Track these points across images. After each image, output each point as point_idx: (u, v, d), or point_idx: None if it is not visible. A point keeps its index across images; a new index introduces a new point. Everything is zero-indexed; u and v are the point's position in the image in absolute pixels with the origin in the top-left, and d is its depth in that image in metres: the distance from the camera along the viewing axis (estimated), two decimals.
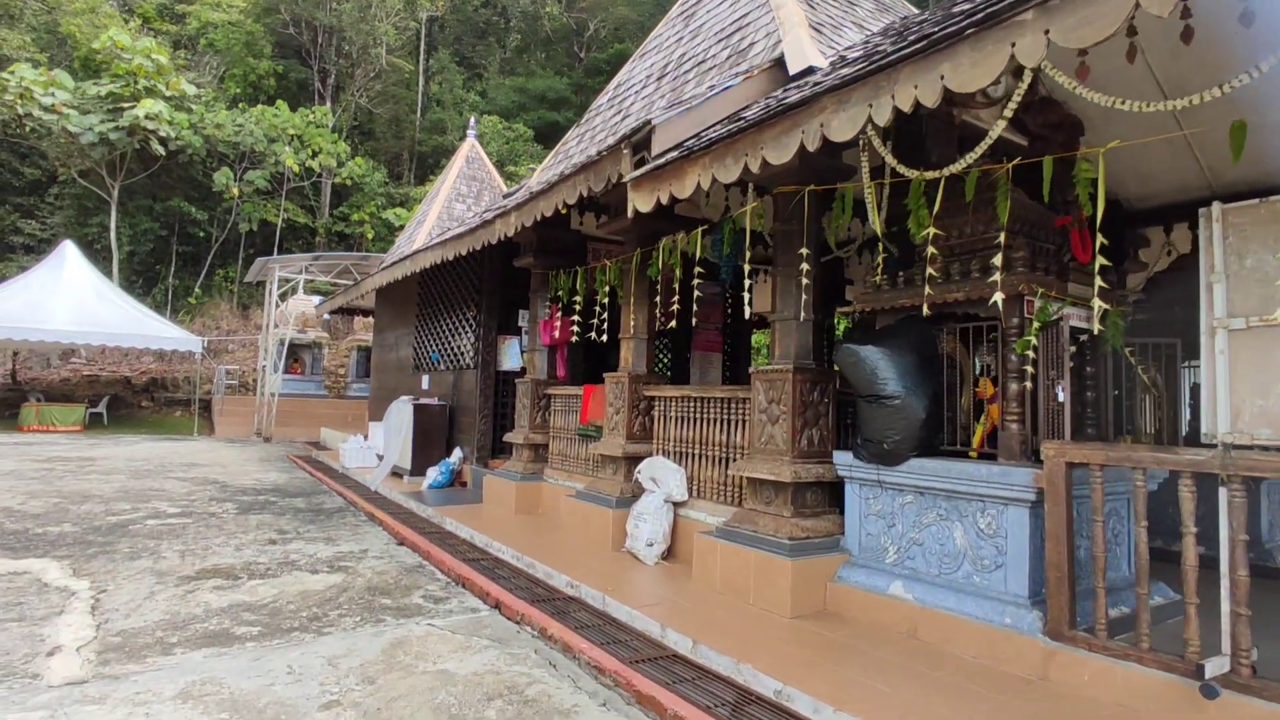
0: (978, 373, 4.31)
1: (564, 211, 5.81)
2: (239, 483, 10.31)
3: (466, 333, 9.99)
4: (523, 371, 9.54)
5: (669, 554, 5.57)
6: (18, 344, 20.73)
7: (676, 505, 5.64)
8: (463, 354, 10.07)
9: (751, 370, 4.95)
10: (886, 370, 4.00)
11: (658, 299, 6.00)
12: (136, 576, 5.22)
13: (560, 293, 7.65)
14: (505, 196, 9.76)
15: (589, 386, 7.10)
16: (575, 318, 7.15)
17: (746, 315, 4.98)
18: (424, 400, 10.15)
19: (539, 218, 5.78)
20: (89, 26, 28.30)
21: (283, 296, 20.52)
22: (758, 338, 20.20)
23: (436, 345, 11.01)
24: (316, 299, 25.18)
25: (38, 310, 17.80)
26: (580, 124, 9.11)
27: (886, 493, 4.25)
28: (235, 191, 27.69)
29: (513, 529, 6.72)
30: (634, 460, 6.14)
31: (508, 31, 44.03)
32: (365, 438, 12.24)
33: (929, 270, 3.92)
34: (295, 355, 22.17)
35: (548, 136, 37.20)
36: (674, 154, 4.07)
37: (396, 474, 9.96)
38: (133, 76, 25.18)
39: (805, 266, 4.57)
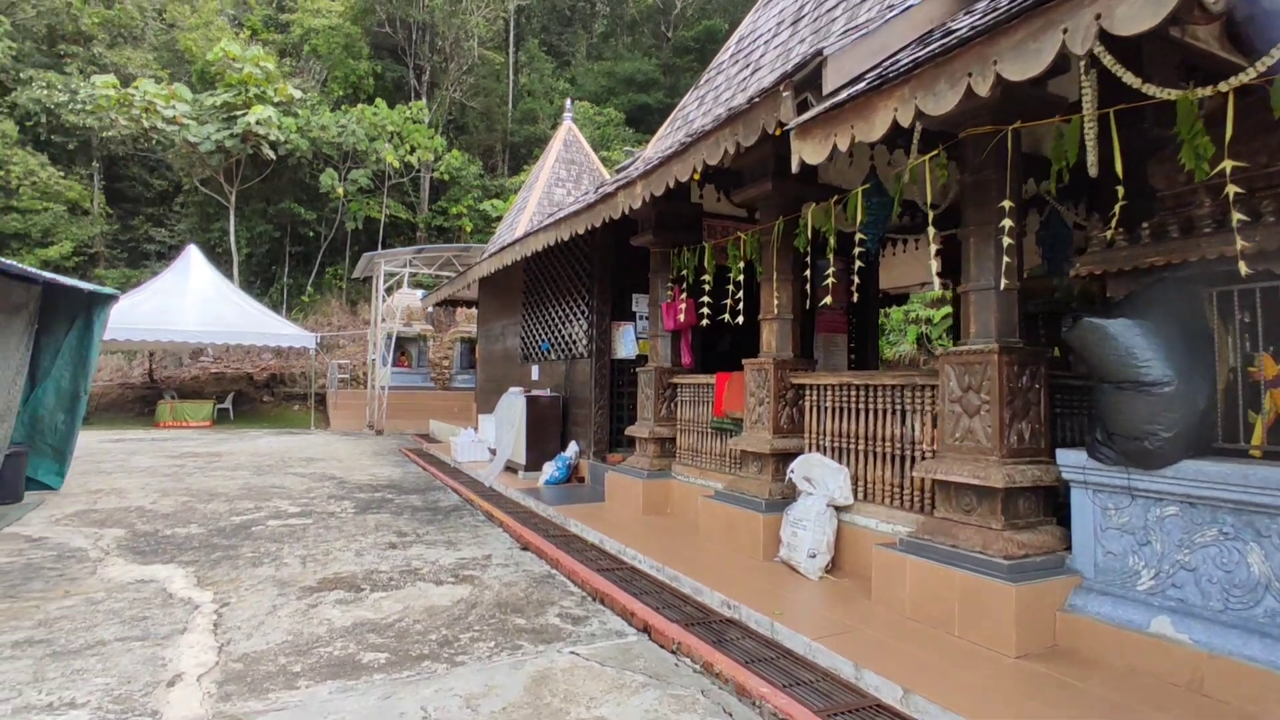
0: (1245, 347, 3.34)
1: (696, 178, 5.11)
2: (355, 479, 10.22)
3: (578, 320, 9.48)
4: (640, 360, 8.94)
5: (833, 566, 4.82)
6: (152, 345, 21.92)
7: (839, 510, 4.88)
8: (575, 342, 9.57)
9: (940, 353, 4.13)
10: (1147, 349, 3.11)
11: (806, 273, 5.23)
12: (259, 587, 4.92)
13: (685, 272, 6.97)
14: (619, 171, 9.14)
15: (723, 375, 6.40)
16: (704, 298, 6.45)
17: (932, 282, 4.13)
18: (535, 392, 9.72)
19: (670, 185, 5.10)
20: (203, 40, 29.63)
21: (389, 291, 20.78)
22: (897, 314, 18.98)
23: (546, 334, 10.58)
24: (420, 293, 25.60)
25: (168, 313, 18.63)
26: (699, 86, 8.38)
27: (1137, 502, 3.36)
28: (340, 191, 28.44)
29: (644, 533, 6.13)
30: (783, 457, 5.41)
31: (593, 16, 43.62)
32: (475, 430, 11.99)
33: (1180, 218, 3.00)
34: (402, 348, 22.52)
35: (638, 120, 36.60)
36: (860, 87, 3.30)
37: (511, 469, 9.59)
38: (244, 85, 26.14)
39: (1008, 223, 3.70)
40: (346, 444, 15.41)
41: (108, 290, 8.91)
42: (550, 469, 8.86)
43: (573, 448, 9.15)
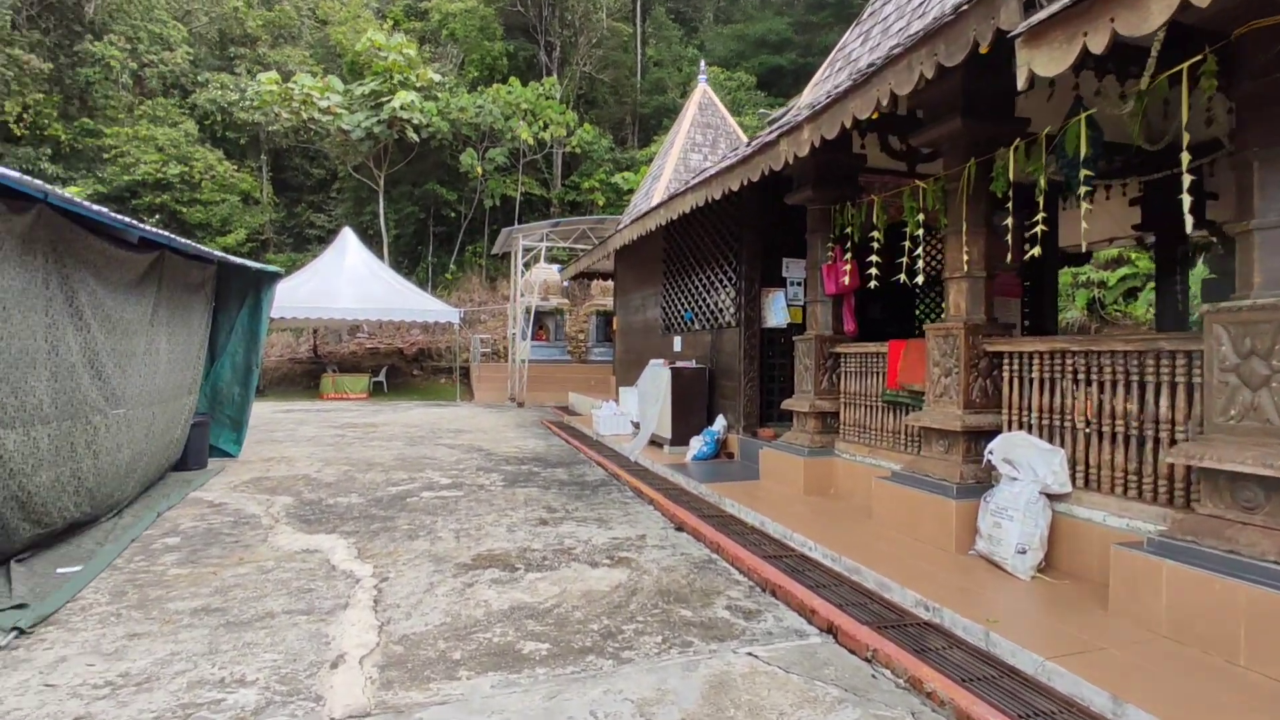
0: None
1: (875, 115, 4.44)
2: (501, 450, 10.29)
3: (724, 287, 8.98)
4: (791, 328, 8.34)
5: (1045, 565, 4.11)
6: (314, 322, 23.51)
7: (1052, 499, 4.15)
8: (720, 311, 9.08)
9: (1206, 310, 3.31)
10: None
11: (1007, 222, 4.45)
12: (415, 562, 4.84)
13: (850, 230, 6.30)
14: (769, 126, 8.50)
15: (896, 342, 5.72)
16: (873, 258, 5.77)
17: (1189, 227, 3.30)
18: (680, 364, 9.34)
19: (847, 124, 4.47)
20: (351, 33, 31.12)
21: (526, 266, 21.09)
22: (1065, 277, 17.17)
23: (689, 304, 10.15)
24: (556, 267, 25.91)
25: (327, 292, 19.81)
26: (861, 20, 7.56)
27: None
28: (479, 170, 29.20)
29: (808, 516, 5.60)
30: (975, 435, 4.71)
31: None
32: (616, 403, 11.81)
33: None
34: (540, 322, 22.90)
35: (770, 83, 35.22)
36: None
37: (655, 443, 9.29)
38: (389, 73, 27.24)
39: None
40: (490, 416, 15.77)
41: (272, 269, 9.34)
42: (697, 444, 8.48)
43: (720, 422, 8.71)
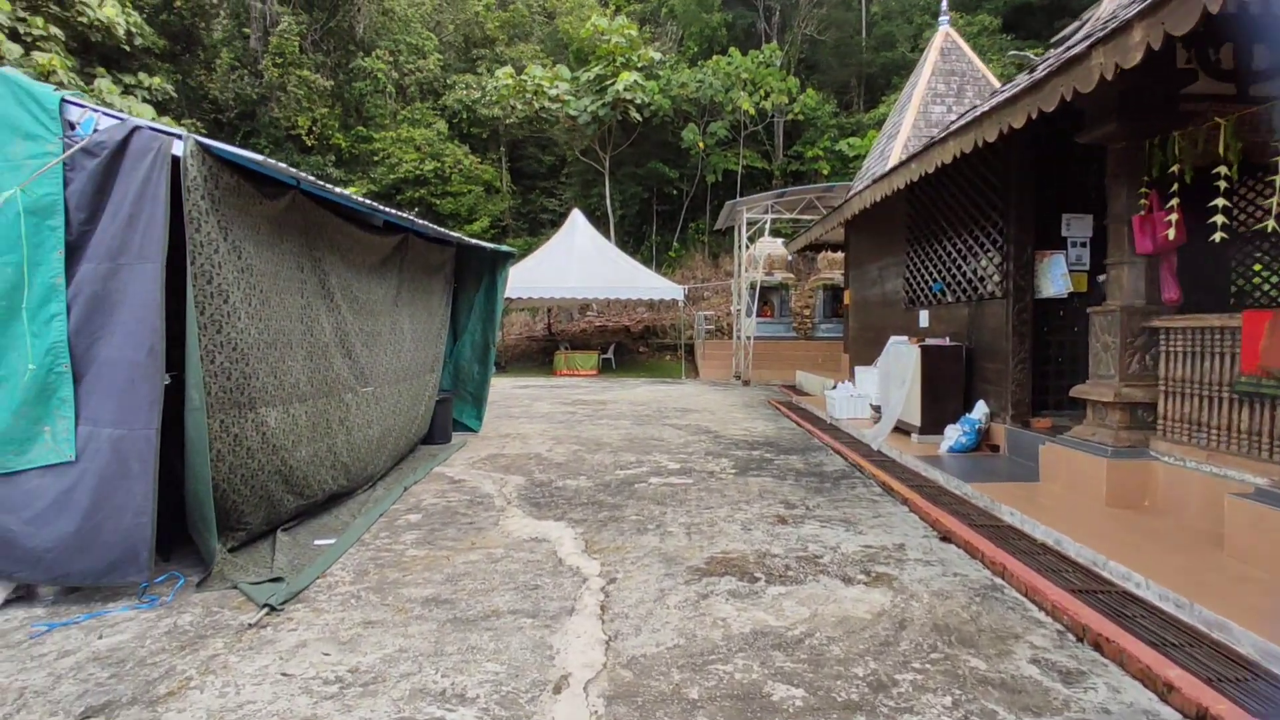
0: None
1: None
2: (729, 433, 9.78)
3: (985, 253, 7.65)
4: (1074, 298, 6.89)
5: None
6: (548, 302, 24.74)
7: None
8: (981, 280, 7.76)
9: None
10: None
11: None
12: (644, 562, 4.43)
13: (1176, 169, 4.87)
14: (1030, 70, 7.09)
15: (1256, 313, 4.28)
16: (1219, 202, 4.35)
17: None
18: (930, 341, 8.16)
19: (1212, 8, 3.24)
20: (576, 22, 32.13)
21: (750, 240, 20.38)
22: None
23: (939, 273, 8.88)
24: (780, 241, 24.90)
25: (558, 272, 20.61)
26: None
27: None
28: (700, 145, 28.89)
29: (1122, 537, 4.40)
30: None
31: None
32: (852, 384, 10.79)
33: None
34: (764, 298, 22.12)
35: (1017, 24, 31.05)
36: None
37: (901, 430, 8.24)
38: (611, 56, 27.72)
39: None
40: (716, 394, 15.39)
41: (506, 249, 9.55)
42: (953, 433, 7.32)
43: (980, 409, 7.46)
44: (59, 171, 3.90)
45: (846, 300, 15.73)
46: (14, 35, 21.60)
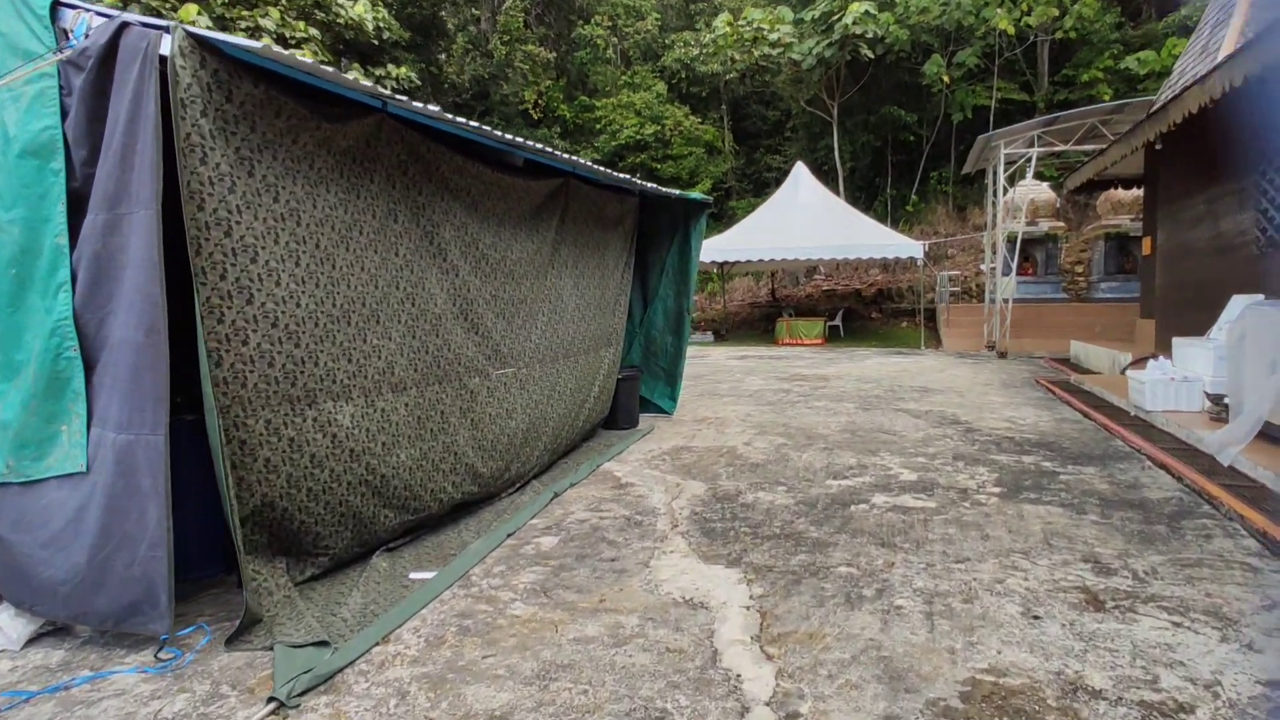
0: None
1: None
2: (986, 424, 7.44)
3: None
4: None
5: None
6: (770, 265, 22.82)
7: None
8: None
9: None
10: None
11: None
12: (851, 680, 2.66)
13: None
14: None
15: None
16: None
17: None
18: None
19: None
20: None
21: (1008, 182, 16.81)
22: None
23: None
24: (1045, 185, 20.63)
25: (780, 232, 18.65)
26: None
27: None
28: (945, 79, 24.95)
29: None
30: None
31: None
32: (1168, 362, 7.80)
33: None
34: (1026, 253, 18.36)
35: None
36: None
37: (1270, 438, 5.46)
38: None
39: None
40: (964, 369, 12.66)
41: (700, 196, 7.95)
42: None
43: None
44: (54, 97, 2.97)
45: (1147, 249, 12.13)
46: (280, 40, 23.94)
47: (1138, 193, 17.59)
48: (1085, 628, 2.99)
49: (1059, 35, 25.55)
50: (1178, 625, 2.99)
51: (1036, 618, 3.09)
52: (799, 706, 2.47)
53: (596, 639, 3.00)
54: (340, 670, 2.83)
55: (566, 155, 5.66)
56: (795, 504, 4.82)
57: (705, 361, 14.85)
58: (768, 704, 2.48)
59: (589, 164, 6.00)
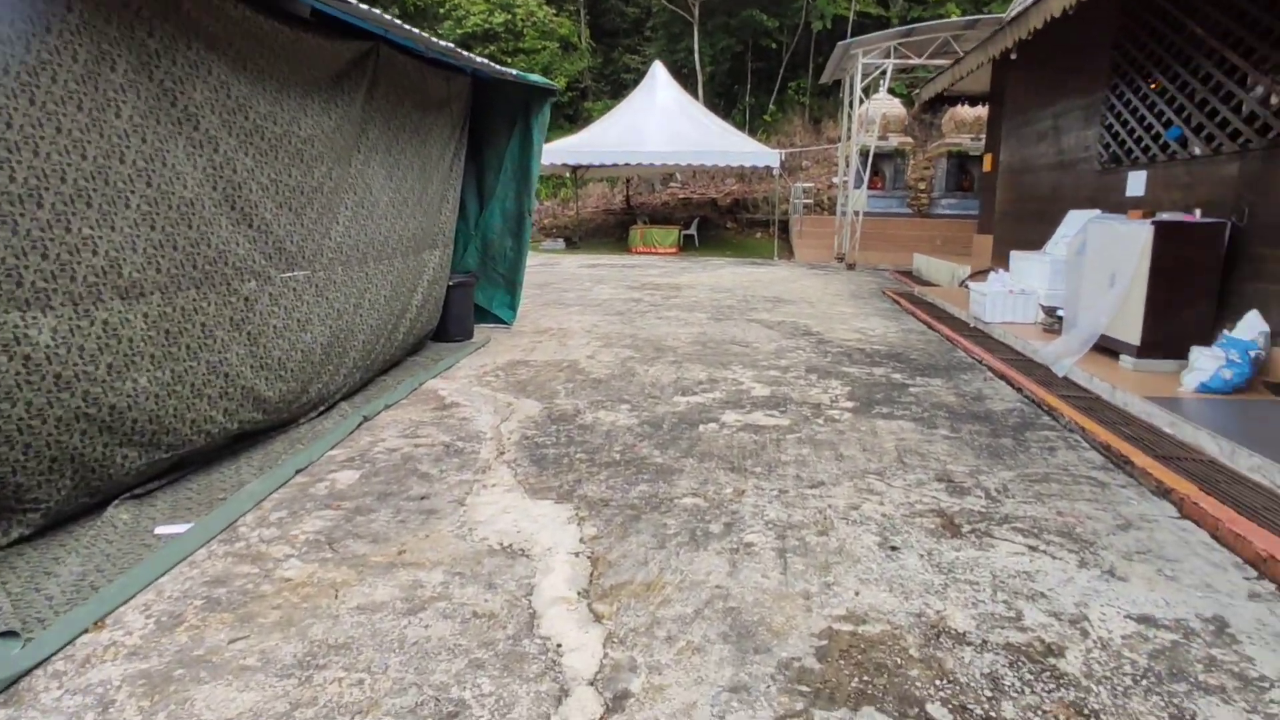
0: None
1: None
2: (838, 336, 7.34)
3: None
4: None
5: None
6: (625, 170, 22.01)
7: None
8: (1266, 118, 4.81)
9: None
10: None
11: None
12: (693, 642, 2.23)
13: None
14: None
15: None
16: None
17: None
18: (1169, 217, 5.33)
19: None
20: None
21: (865, 92, 16.80)
22: None
23: (1175, 109, 5.87)
24: (898, 101, 21.01)
25: (635, 133, 17.81)
26: None
27: None
28: None
29: None
30: None
31: None
32: (1006, 274, 7.99)
33: None
34: (876, 168, 18.73)
35: None
36: None
37: (1103, 350, 5.60)
38: None
39: None
40: (815, 280, 12.75)
41: (544, 81, 7.03)
42: (1207, 362, 4.66)
43: (1254, 324, 4.73)
44: None
45: (988, 166, 12.50)
46: None
47: (979, 112, 18.21)
48: (944, 557, 2.73)
49: None
50: (1034, 549, 2.80)
51: (894, 548, 2.80)
52: (630, 683, 2.00)
53: (386, 605, 2.39)
54: (29, 671, 2.07)
55: (376, 11, 4.60)
56: (639, 424, 4.37)
57: (554, 270, 14.11)
58: (591, 683, 2.00)
59: (406, 27, 4.96)
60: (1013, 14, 8.36)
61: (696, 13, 26.42)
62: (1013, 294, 7.23)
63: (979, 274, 10.10)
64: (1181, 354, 5.02)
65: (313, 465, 3.68)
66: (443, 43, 5.51)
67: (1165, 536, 2.94)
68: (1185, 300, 5.07)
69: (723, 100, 29.58)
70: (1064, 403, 4.65)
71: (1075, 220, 7.25)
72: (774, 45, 28.49)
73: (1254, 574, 2.65)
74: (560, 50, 30.18)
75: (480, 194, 7.49)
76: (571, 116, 29.62)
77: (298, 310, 4.12)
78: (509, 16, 28.30)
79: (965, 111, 18.37)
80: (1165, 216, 5.29)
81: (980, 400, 4.98)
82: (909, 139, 20.18)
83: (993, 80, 12.05)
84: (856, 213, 15.82)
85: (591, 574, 2.60)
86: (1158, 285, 5.06)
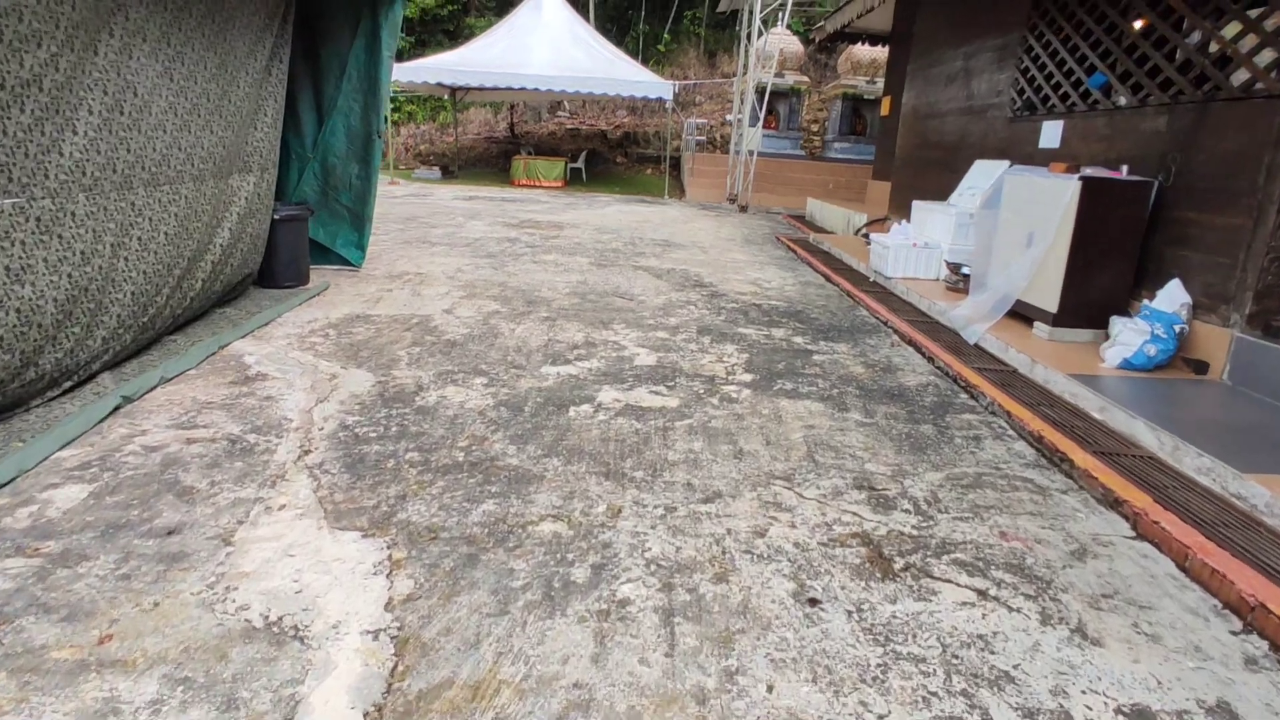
0: None
1: None
2: (732, 288, 6.66)
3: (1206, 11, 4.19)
4: None
5: None
6: (507, 94, 20.34)
7: None
8: (1220, 64, 4.37)
9: None
10: None
11: None
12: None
13: None
14: None
15: None
16: None
17: None
18: (1092, 172, 4.86)
19: None
20: None
21: (763, 24, 15.96)
22: None
23: (1098, 55, 5.40)
24: (794, 38, 20.29)
25: (519, 55, 16.30)
26: None
27: None
28: None
29: None
30: None
31: None
32: (908, 227, 7.53)
33: None
34: (770, 107, 18.09)
35: None
36: None
37: (1020, 316, 5.16)
38: None
39: None
40: (707, 221, 12.04)
41: None
42: (1131, 335, 4.26)
43: (1176, 294, 4.36)
44: None
45: (885, 109, 12.07)
46: None
47: (875, 53, 17.80)
48: (878, 614, 2.08)
49: None
50: (984, 595, 2.20)
51: (814, 601, 2.12)
52: None
53: None
54: None
55: None
56: (495, 406, 3.51)
57: (425, 201, 12.72)
58: None
59: None
60: None
61: None
62: (916, 247, 6.76)
63: (876, 223, 9.69)
64: (1099, 323, 4.65)
65: (24, 476, 2.61)
66: None
67: (1128, 569, 2.42)
68: (1107, 265, 4.66)
69: (615, 26, 27.98)
70: (981, 378, 4.15)
71: (982, 170, 6.82)
72: None
73: (1238, 625, 2.15)
74: None
75: (318, 107, 6.19)
76: (452, 33, 27.18)
77: (32, 252, 2.94)
78: None
79: (861, 52, 17.93)
80: (1090, 171, 4.82)
81: (891, 372, 4.43)
82: (805, 78, 19.60)
83: (895, 18, 11.51)
84: (751, 152, 15.16)
85: (394, 670, 1.77)
86: (1080, 248, 4.62)
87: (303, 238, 5.82)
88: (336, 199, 6.38)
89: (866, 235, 9.46)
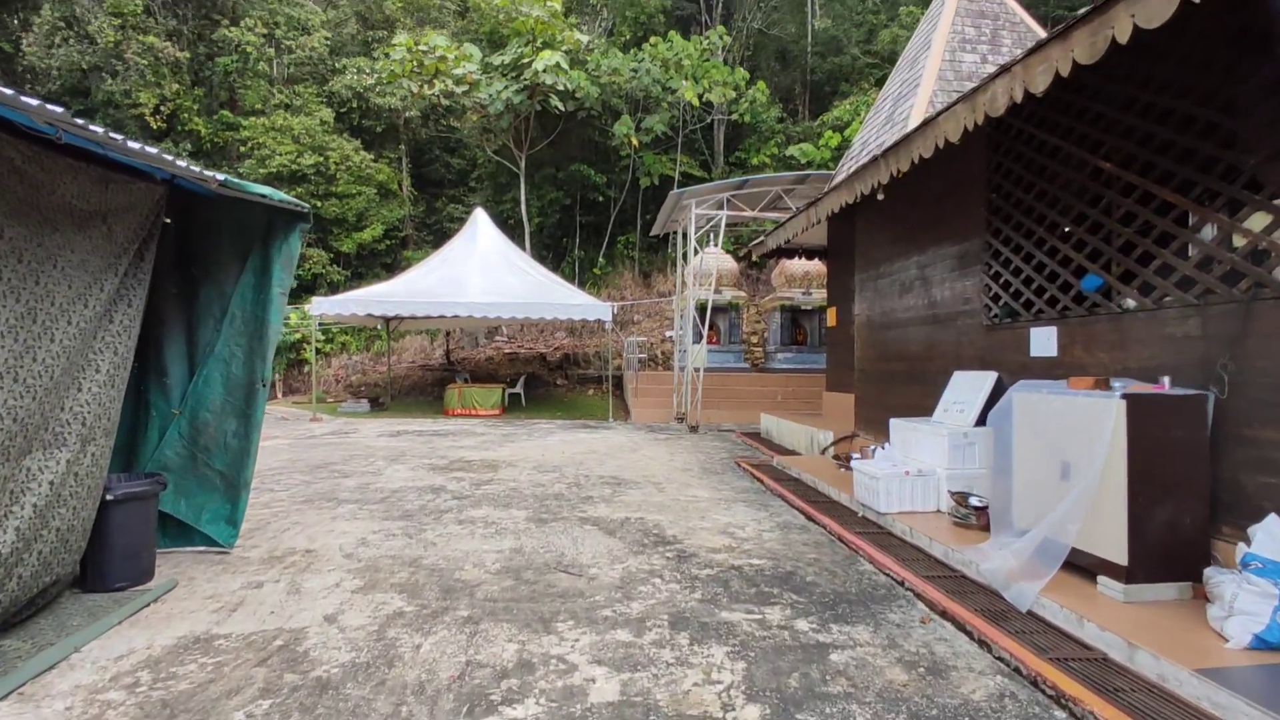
0: None
1: None
2: (702, 541, 5.46)
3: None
4: None
5: None
6: (443, 322, 19.99)
7: None
8: (1233, 264, 3.75)
9: None
10: None
11: None
12: None
13: None
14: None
15: None
16: None
17: None
18: (1142, 389, 4.05)
19: None
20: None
21: (699, 243, 16.24)
22: None
23: (1085, 255, 4.86)
24: (728, 256, 20.97)
25: (455, 284, 16.08)
26: None
27: None
28: (634, 141, 24.86)
29: None
30: None
31: None
32: (892, 450, 6.62)
33: None
34: (711, 322, 18.11)
35: None
36: None
37: (1077, 568, 4.06)
38: (532, 34, 23.50)
39: None
40: (658, 448, 11.04)
41: (292, 201, 5.00)
42: (1246, 598, 3.17)
43: (1278, 530, 3.37)
44: None
45: (832, 321, 11.79)
46: None
47: (808, 266, 18.29)
48: None
49: (735, 117, 27.16)
50: None
51: None
52: None
53: None
54: None
55: None
56: None
57: (346, 441, 11.47)
58: None
59: (9, 93, 2.83)
60: (862, 164, 7.55)
61: (523, 164, 25.97)
62: (909, 476, 5.78)
63: (844, 440, 8.84)
64: (1184, 574, 3.58)
65: None
66: (94, 127, 3.37)
67: None
68: (1177, 501, 3.70)
69: (551, 253, 28.92)
70: (1073, 680, 2.94)
71: (966, 383, 6.08)
72: (602, 199, 28.56)
73: None
74: (378, 196, 28.48)
75: (190, 355, 5.13)
76: (390, 265, 27.57)
77: None
78: (320, 159, 26.40)
79: (794, 265, 18.41)
80: (1120, 385, 4.02)
81: (942, 676, 3.18)
82: (741, 293, 19.96)
83: (830, 234, 11.58)
84: (697, 369, 14.67)
85: None
86: (1141, 481, 3.67)
87: (147, 521, 4.47)
88: (207, 462, 5.12)
89: (836, 457, 8.56)
